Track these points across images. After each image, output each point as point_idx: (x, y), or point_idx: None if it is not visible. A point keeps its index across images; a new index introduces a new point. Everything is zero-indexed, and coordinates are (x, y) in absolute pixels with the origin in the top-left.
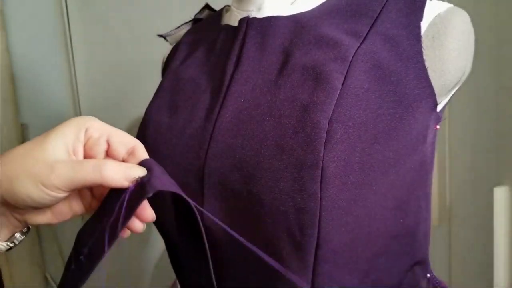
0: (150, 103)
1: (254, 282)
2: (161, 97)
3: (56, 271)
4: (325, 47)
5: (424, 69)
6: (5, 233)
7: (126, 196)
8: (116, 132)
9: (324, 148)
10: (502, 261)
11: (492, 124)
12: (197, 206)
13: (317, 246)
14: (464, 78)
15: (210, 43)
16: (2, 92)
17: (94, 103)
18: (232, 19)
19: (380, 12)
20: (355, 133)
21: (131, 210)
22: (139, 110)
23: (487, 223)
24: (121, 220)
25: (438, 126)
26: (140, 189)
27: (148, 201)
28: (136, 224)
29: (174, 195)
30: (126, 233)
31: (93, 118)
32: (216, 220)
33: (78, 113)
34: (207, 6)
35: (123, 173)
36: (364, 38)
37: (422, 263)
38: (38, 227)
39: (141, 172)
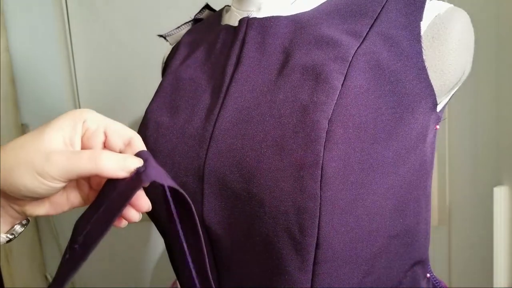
0: (150, 103)
1: (253, 281)
2: (161, 97)
3: None
4: (325, 47)
5: (424, 69)
6: (5, 225)
7: (121, 186)
8: (114, 124)
9: (324, 148)
10: (502, 261)
11: (492, 124)
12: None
13: (317, 246)
14: (464, 78)
15: (210, 43)
16: (2, 92)
17: (94, 103)
18: (232, 19)
19: (380, 12)
20: (355, 133)
21: (126, 199)
22: (139, 110)
23: (487, 223)
24: (116, 208)
25: (438, 126)
26: (135, 178)
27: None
28: (132, 214)
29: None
30: (122, 223)
31: (91, 110)
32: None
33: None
34: (207, 6)
35: (119, 163)
36: (364, 38)
37: (422, 263)
38: (38, 227)
39: (137, 162)
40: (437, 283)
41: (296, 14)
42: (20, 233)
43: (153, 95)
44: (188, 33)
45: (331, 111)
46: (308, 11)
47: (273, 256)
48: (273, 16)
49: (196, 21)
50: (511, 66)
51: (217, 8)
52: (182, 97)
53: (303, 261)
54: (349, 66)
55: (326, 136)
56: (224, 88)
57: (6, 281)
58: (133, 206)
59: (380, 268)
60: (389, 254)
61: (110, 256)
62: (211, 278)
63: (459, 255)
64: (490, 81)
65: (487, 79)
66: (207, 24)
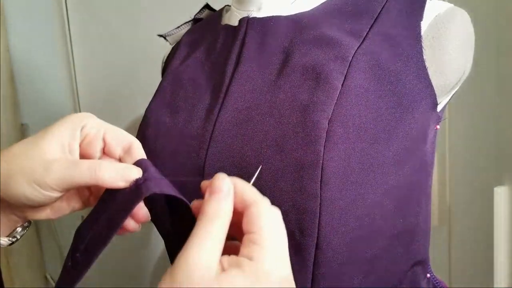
0: (150, 103)
1: None
2: (161, 97)
3: (56, 271)
4: (325, 47)
5: (424, 69)
6: (6, 229)
7: (121, 195)
8: (113, 129)
9: (324, 148)
10: (502, 261)
11: (492, 124)
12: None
13: (317, 246)
14: (464, 78)
15: (210, 43)
16: (2, 92)
17: (94, 103)
18: (232, 19)
19: (380, 12)
20: (355, 133)
21: (126, 212)
22: (139, 110)
23: (487, 223)
24: (115, 221)
25: (438, 126)
26: (135, 190)
27: (146, 201)
28: (131, 224)
29: (170, 196)
30: (121, 232)
31: (90, 115)
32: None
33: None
34: (207, 6)
35: (118, 174)
36: (364, 38)
37: (422, 263)
38: (38, 227)
39: (137, 173)
40: (437, 283)
41: (296, 13)
42: (22, 235)
43: (153, 95)
44: (188, 33)
45: (331, 111)
46: (308, 10)
47: None
48: (273, 16)
49: (196, 21)
50: (511, 66)
51: (217, 8)
52: (182, 97)
53: (303, 261)
54: (349, 66)
55: (326, 136)
56: (224, 88)
57: (6, 282)
58: (132, 217)
59: (380, 268)
60: (389, 254)
61: (110, 256)
62: None
63: (459, 255)
64: (490, 81)
65: (487, 79)
66: (207, 24)
